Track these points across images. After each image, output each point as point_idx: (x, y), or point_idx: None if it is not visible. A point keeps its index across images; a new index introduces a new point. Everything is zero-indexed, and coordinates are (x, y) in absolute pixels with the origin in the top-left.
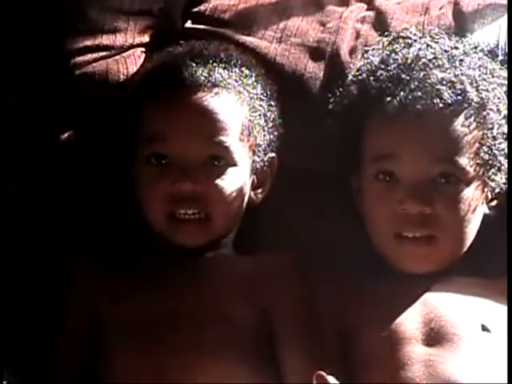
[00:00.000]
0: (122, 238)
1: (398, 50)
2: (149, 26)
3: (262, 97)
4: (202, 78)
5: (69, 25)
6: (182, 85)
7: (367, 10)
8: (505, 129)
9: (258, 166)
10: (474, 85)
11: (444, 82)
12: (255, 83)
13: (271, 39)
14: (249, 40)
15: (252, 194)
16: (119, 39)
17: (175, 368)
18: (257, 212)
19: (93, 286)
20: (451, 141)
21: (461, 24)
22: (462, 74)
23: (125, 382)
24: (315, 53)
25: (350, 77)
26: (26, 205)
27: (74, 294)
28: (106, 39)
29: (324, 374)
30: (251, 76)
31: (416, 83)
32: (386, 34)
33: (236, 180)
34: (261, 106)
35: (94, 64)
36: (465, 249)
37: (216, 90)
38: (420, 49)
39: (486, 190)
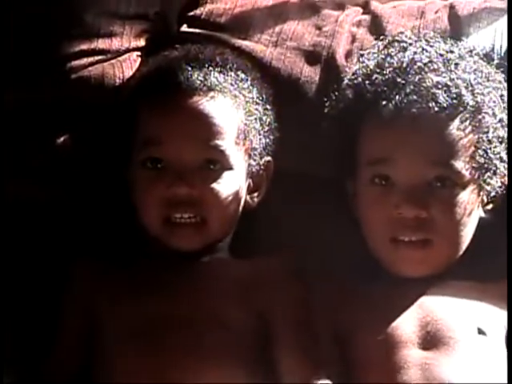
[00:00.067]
0: (119, 241)
1: (393, 53)
2: (144, 30)
3: (257, 100)
4: (198, 82)
5: (65, 29)
6: (177, 89)
7: (363, 13)
8: (500, 132)
9: (253, 170)
10: (470, 88)
11: (439, 86)
12: (251, 87)
13: (267, 43)
14: (244, 44)
15: (248, 197)
16: (115, 43)
17: (175, 368)
18: (253, 216)
19: (93, 285)
20: (447, 144)
21: (456, 28)
22: (457, 78)
23: (125, 382)
24: (311, 57)
25: (346, 81)
26: (22, 208)
27: (74, 293)
28: (101, 43)
29: None
30: (247, 80)
31: (411, 87)
32: (381, 37)
33: (232, 184)
34: (256, 109)
35: (90, 68)
36: (460, 252)
37: (212, 93)
38: (415, 52)
39: (481, 193)
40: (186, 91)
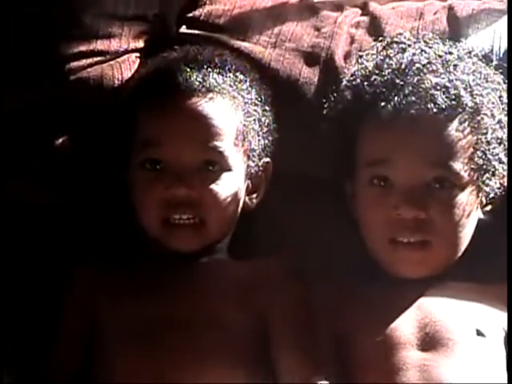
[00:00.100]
0: (118, 242)
1: (392, 55)
2: (143, 32)
3: (256, 102)
4: (197, 83)
5: (64, 30)
6: (176, 90)
7: (362, 15)
8: (499, 134)
9: (252, 171)
10: (468, 90)
11: (438, 87)
12: (250, 88)
13: (266, 44)
14: (243, 45)
15: (247, 198)
16: (114, 44)
17: (174, 369)
18: (251, 217)
19: (93, 286)
20: (445, 146)
21: (455, 29)
22: (456, 79)
23: (124, 382)
24: (310, 58)
25: (345, 82)
26: (22, 208)
27: (74, 293)
28: (100, 44)
29: None
30: (246, 81)
31: (410, 88)
32: (380, 39)
33: (231, 185)
34: (255, 110)
35: (89, 69)
36: (459, 254)
37: (210, 95)
38: (414, 54)
39: (480, 194)
40: (185, 92)
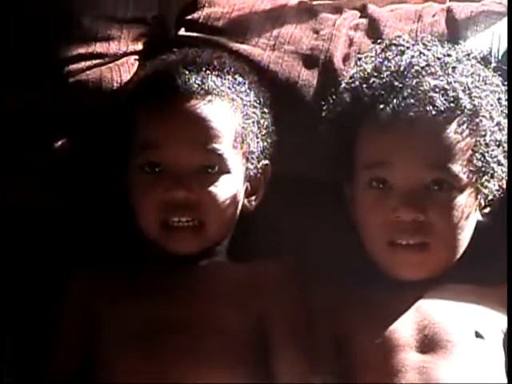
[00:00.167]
0: (117, 244)
1: (390, 57)
2: (142, 34)
3: (255, 104)
4: (195, 86)
5: (63, 33)
6: (175, 92)
7: (360, 17)
8: (497, 136)
9: (251, 174)
10: (467, 92)
11: (437, 90)
12: (248, 90)
13: (265, 47)
14: (242, 47)
15: (245, 201)
16: (113, 47)
17: (174, 371)
18: (250, 219)
19: (92, 287)
20: (444, 148)
21: (454, 31)
22: (454, 82)
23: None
24: (308, 60)
25: (343, 84)
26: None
27: (74, 293)
28: (99, 47)
29: None
30: (244, 83)
31: (409, 90)
32: (379, 41)
33: (229, 187)
34: (254, 113)
35: (88, 72)
36: (458, 256)
37: (209, 97)
38: (413, 56)
39: (479, 197)
40: (184, 95)
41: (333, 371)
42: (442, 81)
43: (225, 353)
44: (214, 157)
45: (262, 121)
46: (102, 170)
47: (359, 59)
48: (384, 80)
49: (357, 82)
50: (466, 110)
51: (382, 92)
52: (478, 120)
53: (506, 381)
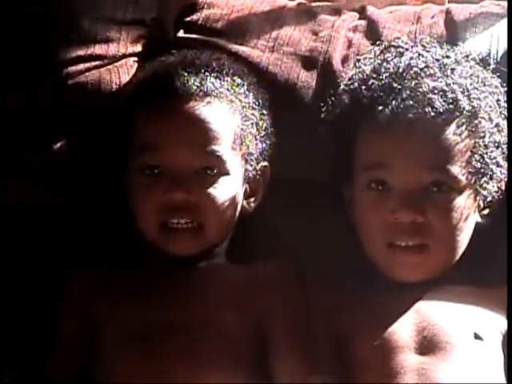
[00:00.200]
0: (116, 246)
1: (389, 58)
2: (141, 36)
3: (254, 106)
4: (194, 88)
5: (62, 34)
6: (174, 94)
7: (359, 19)
8: (496, 137)
9: (250, 175)
10: (466, 93)
11: (435, 91)
12: (247, 92)
13: (263, 48)
14: (241, 49)
15: (245, 202)
16: (112, 49)
17: (173, 373)
18: (249, 221)
19: (92, 287)
20: (443, 149)
21: (452, 33)
22: (453, 83)
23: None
24: (307, 62)
25: (342, 86)
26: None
27: (74, 293)
28: (98, 49)
29: None
30: (243, 85)
31: (408, 92)
32: (377, 43)
33: (228, 189)
34: (253, 114)
35: (87, 74)
36: (457, 257)
37: (208, 99)
38: (412, 58)
39: (478, 198)
40: (183, 97)
41: (332, 371)
42: (440, 82)
43: (224, 354)
44: (213, 158)
45: (260, 122)
46: (100, 172)
47: (358, 61)
48: (383, 81)
49: (356, 84)
50: (464, 112)
51: (381, 93)
52: (476, 121)
53: (505, 382)
